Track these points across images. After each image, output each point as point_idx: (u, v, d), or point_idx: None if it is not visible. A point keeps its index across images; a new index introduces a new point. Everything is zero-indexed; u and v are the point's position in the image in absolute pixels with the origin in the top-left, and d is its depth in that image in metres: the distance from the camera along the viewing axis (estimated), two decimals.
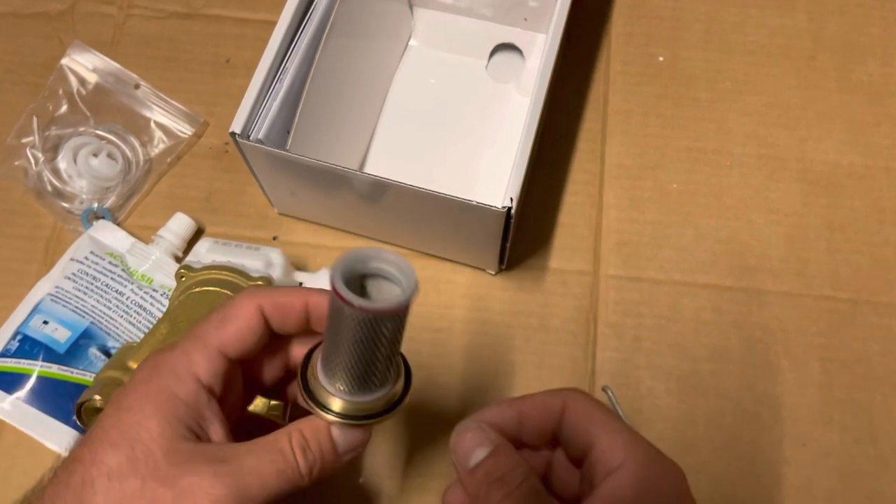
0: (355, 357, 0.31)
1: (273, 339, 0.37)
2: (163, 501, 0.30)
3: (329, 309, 0.31)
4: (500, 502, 0.32)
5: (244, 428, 0.36)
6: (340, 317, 0.30)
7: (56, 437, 0.50)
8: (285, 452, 0.33)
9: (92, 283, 0.53)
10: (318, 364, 0.34)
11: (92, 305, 0.53)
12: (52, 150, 0.58)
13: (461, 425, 0.35)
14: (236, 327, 0.34)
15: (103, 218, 0.57)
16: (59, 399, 0.50)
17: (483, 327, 0.53)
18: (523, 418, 0.36)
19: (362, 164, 0.59)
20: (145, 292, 0.54)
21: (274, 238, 0.57)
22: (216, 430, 0.34)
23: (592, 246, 0.57)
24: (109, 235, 0.55)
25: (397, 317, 0.31)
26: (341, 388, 0.33)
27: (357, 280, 0.31)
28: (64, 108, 0.60)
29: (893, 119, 0.60)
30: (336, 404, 0.33)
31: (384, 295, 0.32)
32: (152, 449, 0.31)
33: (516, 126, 0.52)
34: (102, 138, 0.59)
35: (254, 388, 0.38)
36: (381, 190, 0.48)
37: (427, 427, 0.52)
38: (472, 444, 0.34)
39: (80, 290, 0.53)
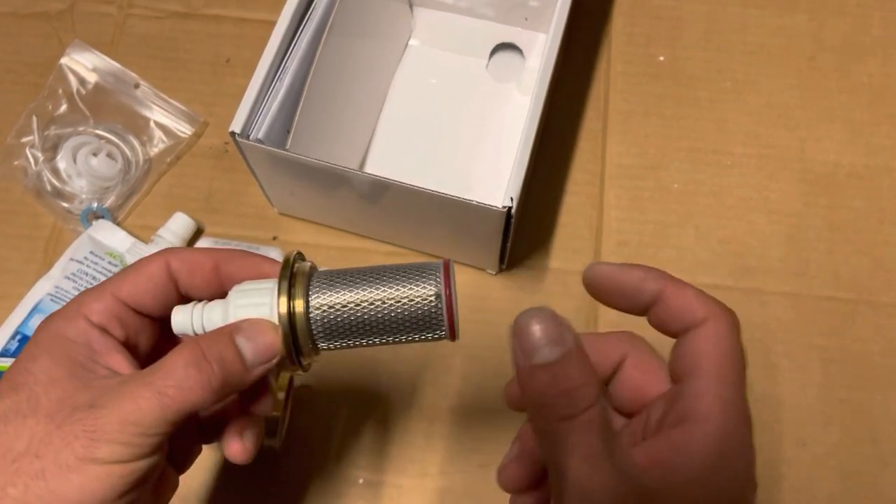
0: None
1: None
2: (44, 439, 0.29)
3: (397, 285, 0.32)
4: (558, 424, 0.27)
5: None
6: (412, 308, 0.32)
7: None
8: (173, 372, 0.30)
9: (91, 283, 0.53)
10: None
11: None
12: (52, 149, 0.58)
13: (532, 310, 0.28)
14: (135, 277, 0.33)
15: (103, 218, 0.56)
16: None
17: (483, 327, 0.52)
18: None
19: (362, 164, 0.59)
20: None
21: (274, 238, 0.57)
22: (118, 362, 0.32)
23: (593, 246, 0.57)
24: (109, 235, 0.55)
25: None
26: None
27: None
28: (63, 107, 0.60)
29: (893, 119, 0.60)
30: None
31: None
32: (36, 391, 0.30)
33: (517, 126, 0.52)
34: (102, 138, 0.59)
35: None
36: (381, 190, 0.48)
37: (427, 427, 0.51)
38: (544, 337, 0.27)
39: (79, 290, 0.53)
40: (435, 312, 0.32)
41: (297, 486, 0.50)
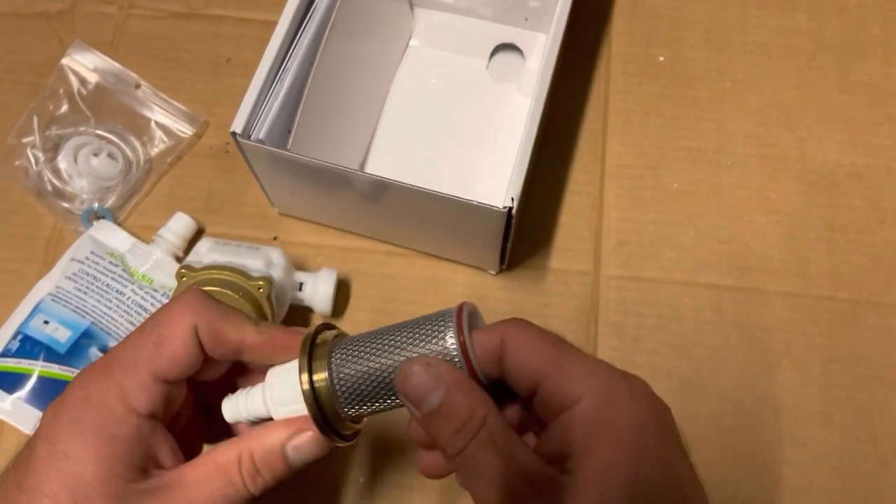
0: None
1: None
2: None
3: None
4: (461, 452, 0.29)
5: (196, 426, 0.37)
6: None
7: None
8: (234, 480, 0.32)
9: (92, 283, 0.53)
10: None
11: (92, 305, 0.53)
12: (53, 149, 0.58)
13: (407, 364, 0.31)
14: (172, 351, 0.32)
15: (104, 218, 0.57)
16: None
17: None
18: None
19: (363, 164, 0.59)
20: (146, 292, 0.54)
21: (274, 238, 0.57)
22: (166, 457, 0.33)
23: (593, 246, 0.57)
24: (110, 235, 0.55)
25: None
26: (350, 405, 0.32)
27: None
28: (64, 107, 0.60)
29: (894, 119, 0.60)
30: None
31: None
32: (92, 499, 0.30)
33: (517, 126, 0.52)
34: (103, 138, 0.59)
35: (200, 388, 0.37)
36: (381, 190, 0.48)
37: None
38: (423, 389, 0.30)
39: (80, 290, 0.53)
40: (454, 363, 0.31)
41: (297, 485, 0.50)
